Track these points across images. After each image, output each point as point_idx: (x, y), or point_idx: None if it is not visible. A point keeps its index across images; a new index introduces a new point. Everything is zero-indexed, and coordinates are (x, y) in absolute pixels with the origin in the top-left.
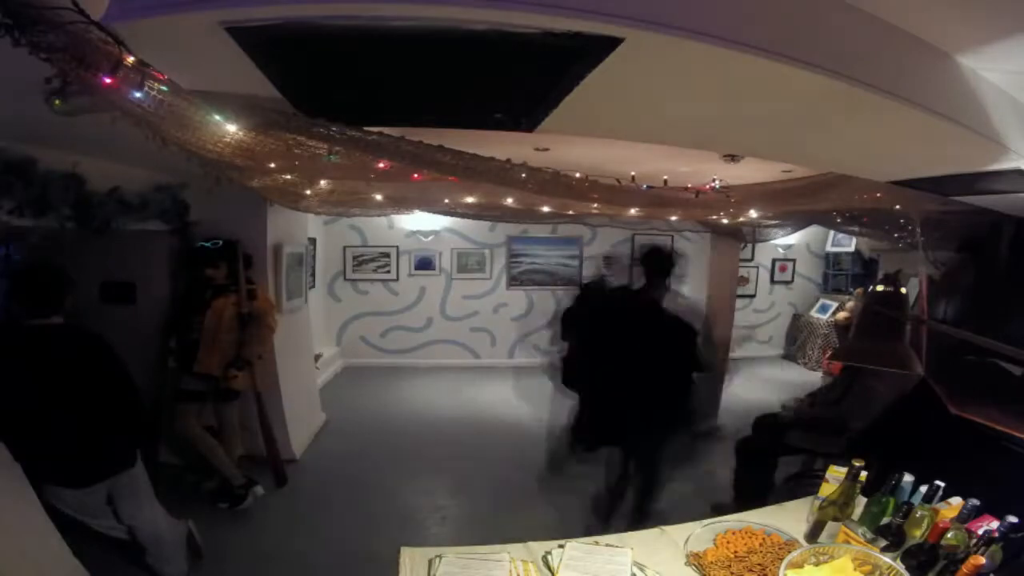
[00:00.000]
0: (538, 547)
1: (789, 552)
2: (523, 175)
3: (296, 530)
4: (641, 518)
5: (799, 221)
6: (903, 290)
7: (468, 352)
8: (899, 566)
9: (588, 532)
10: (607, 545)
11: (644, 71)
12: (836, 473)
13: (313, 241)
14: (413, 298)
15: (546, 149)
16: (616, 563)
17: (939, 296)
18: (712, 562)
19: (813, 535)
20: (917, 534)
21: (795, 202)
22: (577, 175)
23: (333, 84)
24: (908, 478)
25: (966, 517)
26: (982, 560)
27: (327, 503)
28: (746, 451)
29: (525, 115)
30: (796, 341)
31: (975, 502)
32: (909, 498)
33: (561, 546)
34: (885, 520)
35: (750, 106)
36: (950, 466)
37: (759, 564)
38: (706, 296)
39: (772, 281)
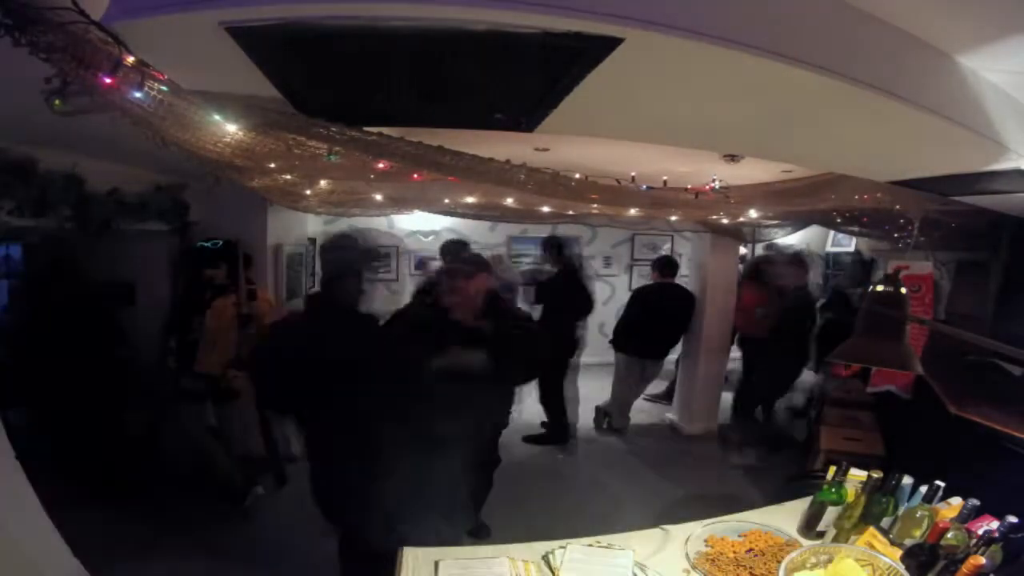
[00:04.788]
0: (540, 547)
1: (789, 552)
2: (523, 176)
3: (296, 530)
4: None
5: (799, 221)
6: (903, 290)
7: None
8: (899, 566)
9: None
10: (608, 545)
11: (644, 71)
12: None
13: (313, 241)
14: None
15: (546, 149)
16: (617, 564)
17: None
18: (712, 562)
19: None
20: (917, 534)
21: (795, 202)
22: (577, 175)
23: (333, 84)
24: (908, 480)
25: (966, 517)
26: (982, 560)
27: None
28: None
29: (525, 115)
30: None
31: (975, 502)
32: (909, 499)
33: (563, 547)
34: (886, 520)
35: (750, 106)
36: (950, 466)
37: (759, 564)
38: (706, 296)
39: None
